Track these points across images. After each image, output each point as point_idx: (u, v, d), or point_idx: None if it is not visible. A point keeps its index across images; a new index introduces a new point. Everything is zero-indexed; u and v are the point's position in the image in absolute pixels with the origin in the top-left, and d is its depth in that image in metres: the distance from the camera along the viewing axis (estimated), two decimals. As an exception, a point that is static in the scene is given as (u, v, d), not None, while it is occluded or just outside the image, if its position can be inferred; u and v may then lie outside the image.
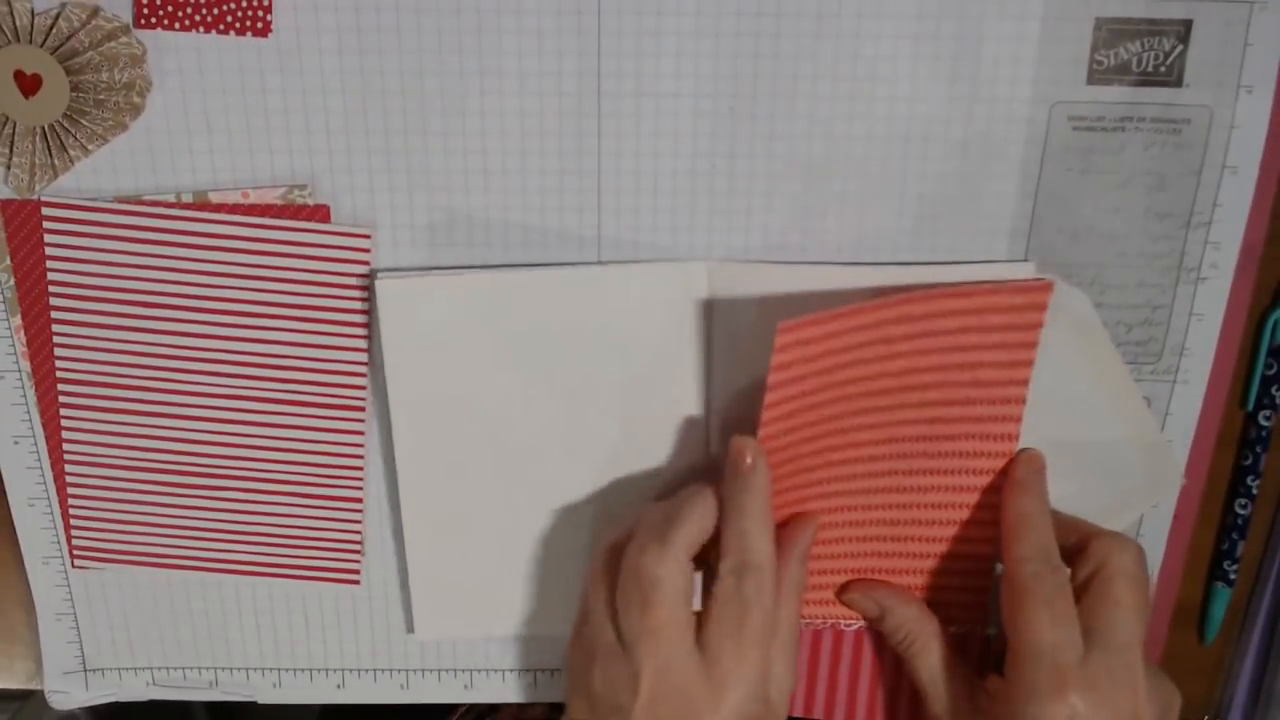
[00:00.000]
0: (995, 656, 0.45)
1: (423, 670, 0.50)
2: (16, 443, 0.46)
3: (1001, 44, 0.41)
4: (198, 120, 0.41)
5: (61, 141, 0.41)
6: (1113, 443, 0.45)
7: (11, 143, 0.41)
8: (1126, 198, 0.43)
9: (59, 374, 0.45)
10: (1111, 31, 0.41)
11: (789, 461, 0.42)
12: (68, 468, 0.46)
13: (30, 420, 0.46)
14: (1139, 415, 0.45)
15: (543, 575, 0.47)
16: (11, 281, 0.44)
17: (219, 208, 0.42)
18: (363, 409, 0.45)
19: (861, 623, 0.47)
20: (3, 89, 0.40)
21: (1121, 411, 0.45)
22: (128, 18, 0.40)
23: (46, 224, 0.43)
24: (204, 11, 0.40)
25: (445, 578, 0.47)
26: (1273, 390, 0.46)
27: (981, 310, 0.41)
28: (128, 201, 0.42)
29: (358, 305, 0.44)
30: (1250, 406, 0.47)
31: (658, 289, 0.43)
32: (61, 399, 0.45)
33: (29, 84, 0.40)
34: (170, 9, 0.40)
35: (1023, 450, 0.42)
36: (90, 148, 0.42)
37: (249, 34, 0.40)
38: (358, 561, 0.48)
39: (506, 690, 0.50)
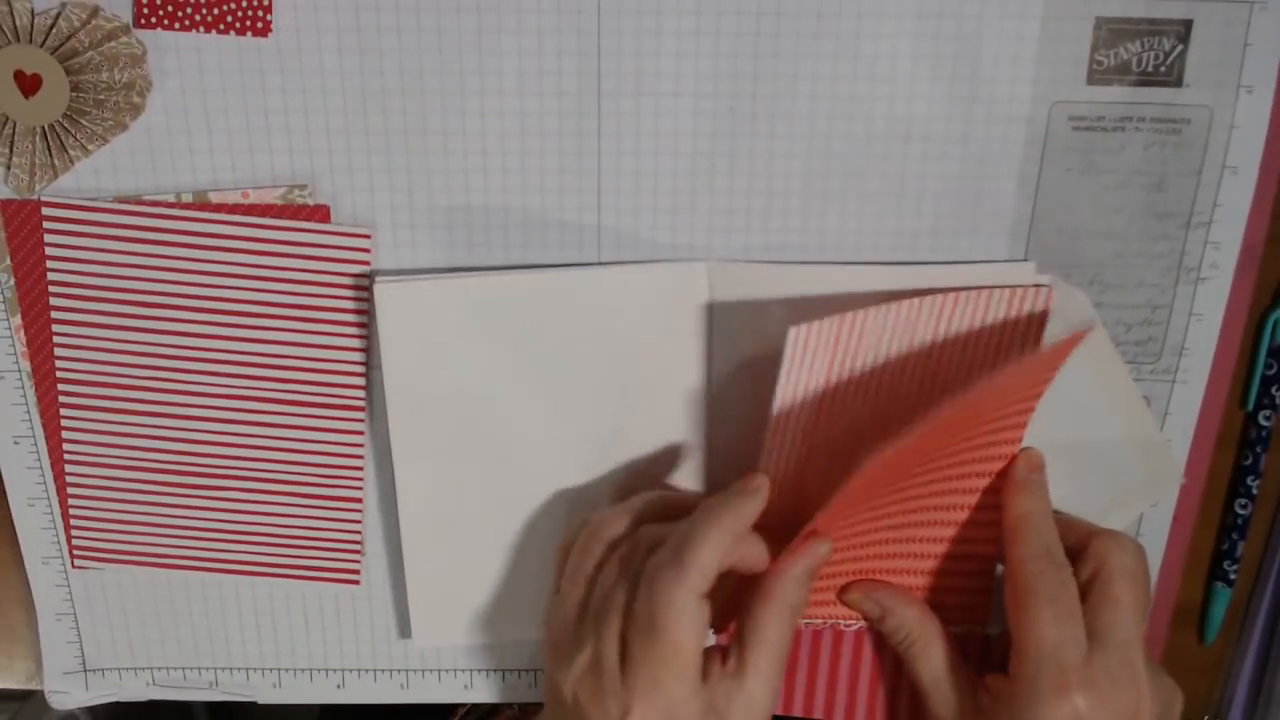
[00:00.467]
0: (997, 657, 0.45)
1: (422, 670, 0.50)
2: (16, 443, 0.46)
3: (1001, 44, 0.41)
4: (198, 120, 0.41)
5: (61, 141, 0.41)
6: (1112, 442, 0.45)
7: (11, 143, 0.41)
8: (1126, 198, 0.43)
9: (59, 374, 0.45)
10: (1111, 31, 0.41)
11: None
12: (68, 468, 0.46)
13: (30, 420, 0.46)
14: (1138, 415, 0.45)
15: (541, 578, 0.47)
16: (11, 281, 0.44)
17: (219, 208, 0.42)
18: (362, 409, 0.45)
19: (861, 623, 0.46)
20: (3, 89, 0.40)
21: (1121, 411, 0.45)
22: (128, 18, 0.40)
23: (46, 224, 0.43)
24: (204, 11, 0.40)
25: (443, 583, 0.47)
26: (1273, 390, 0.46)
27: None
28: (128, 201, 0.42)
29: (357, 305, 0.44)
30: (1250, 406, 0.47)
31: (657, 289, 0.43)
32: (61, 399, 0.45)
33: (29, 84, 0.40)
34: (170, 9, 0.40)
35: (1023, 450, 0.42)
36: (90, 148, 0.42)
37: (249, 34, 0.40)
38: (358, 561, 0.48)
39: (506, 690, 0.50)
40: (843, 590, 0.44)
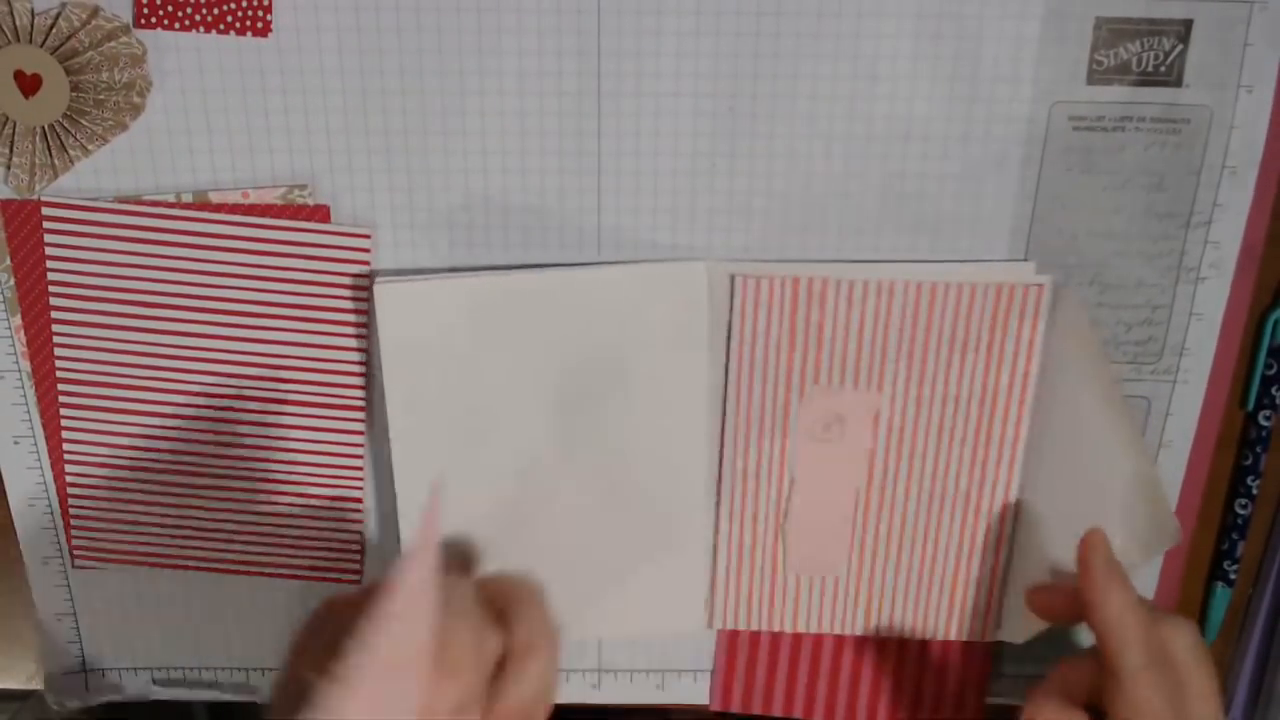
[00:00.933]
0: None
1: (423, 670, 0.50)
2: (16, 443, 0.46)
3: (1001, 44, 0.41)
4: (198, 120, 0.41)
5: (61, 141, 0.41)
6: (1114, 497, 0.43)
7: (11, 143, 0.41)
8: (1126, 198, 0.43)
9: (59, 374, 0.45)
10: (1111, 31, 0.41)
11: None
12: (68, 468, 0.46)
13: (30, 420, 0.46)
14: (1142, 468, 0.42)
15: (542, 577, 0.47)
16: (11, 281, 0.44)
17: (219, 208, 0.42)
18: (362, 409, 0.45)
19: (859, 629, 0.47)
20: (3, 89, 0.40)
21: (1110, 428, 0.43)
22: (128, 18, 0.40)
23: (46, 224, 0.43)
24: (204, 11, 0.40)
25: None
26: (1273, 390, 0.46)
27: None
28: (128, 201, 0.42)
29: (357, 305, 0.44)
30: (1250, 406, 0.46)
31: (657, 288, 0.43)
32: (61, 399, 0.45)
33: (29, 84, 0.40)
34: (170, 9, 0.40)
35: (1090, 533, 0.40)
36: (90, 148, 0.42)
37: (249, 34, 0.40)
38: (358, 561, 0.48)
39: (506, 690, 0.50)
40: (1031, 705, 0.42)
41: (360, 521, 0.47)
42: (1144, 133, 0.42)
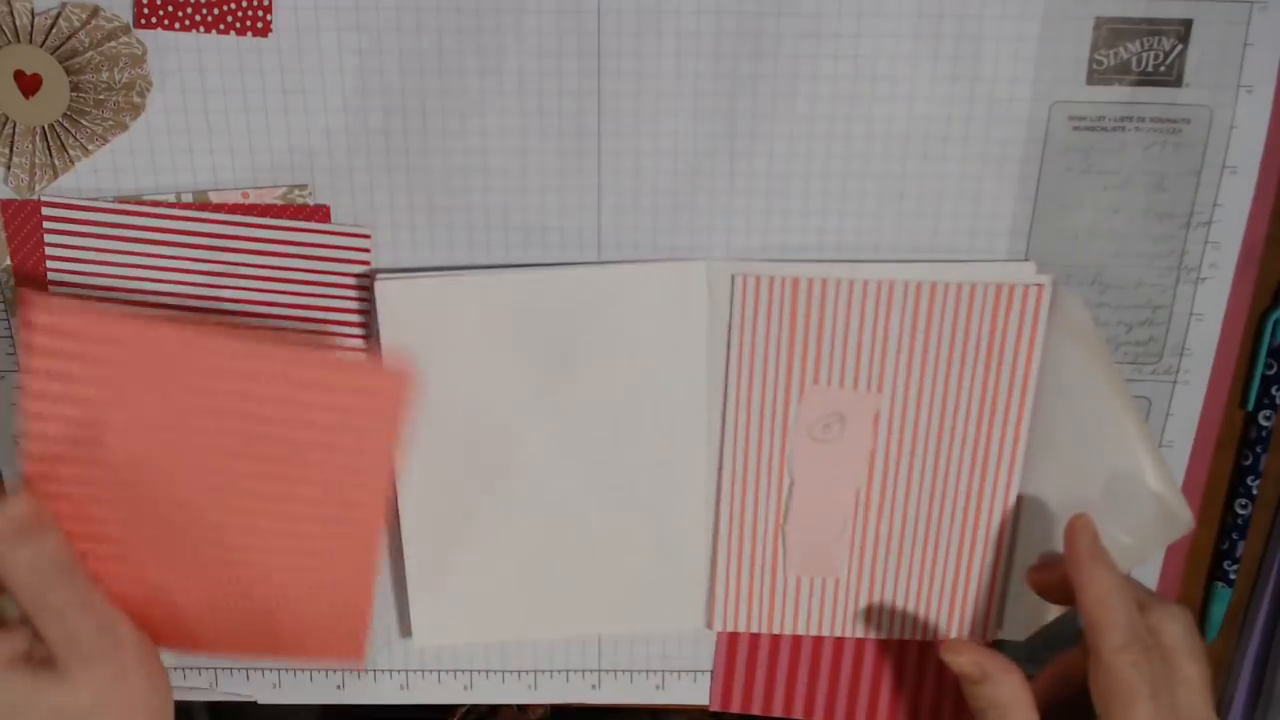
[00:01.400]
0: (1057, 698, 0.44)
1: (422, 671, 0.50)
2: (17, 443, 0.46)
3: (1001, 44, 0.41)
4: (198, 120, 0.41)
5: (61, 141, 0.41)
6: (1123, 487, 0.44)
7: (11, 143, 0.41)
8: (1126, 198, 0.43)
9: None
10: (1111, 31, 0.41)
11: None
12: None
13: (30, 420, 0.46)
14: (1150, 457, 0.43)
15: (542, 578, 0.47)
16: (12, 282, 0.44)
17: (219, 208, 0.42)
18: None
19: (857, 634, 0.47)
20: (3, 89, 0.40)
21: (1132, 454, 0.43)
22: (128, 18, 0.40)
23: (46, 224, 0.43)
24: (204, 11, 0.40)
25: (444, 583, 0.47)
26: (1273, 390, 0.46)
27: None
28: (128, 201, 0.42)
29: (358, 305, 0.44)
30: (1250, 406, 0.46)
31: (657, 289, 0.43)
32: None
33: (29, 84, 0.40)
34: (170, 9, 0.40)
35: (1076, 517, 0.41)
36: (90, 148, 0.42)
37: (249, 34, 0.40)
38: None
39: (506, 691, 0.50)
40: (944, 646, 0.42)
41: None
42: (1144, 133, 0.42)
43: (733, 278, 0.43)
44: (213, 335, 0.38)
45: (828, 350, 0.43)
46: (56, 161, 0.42)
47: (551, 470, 0.45)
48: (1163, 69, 0.41)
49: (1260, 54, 0.41)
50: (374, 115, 0.41)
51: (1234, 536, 0.48)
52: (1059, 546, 0.43)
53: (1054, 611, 0.44)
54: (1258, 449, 0.47)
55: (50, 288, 0.43)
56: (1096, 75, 0.41)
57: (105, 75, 0.40)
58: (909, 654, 0.48)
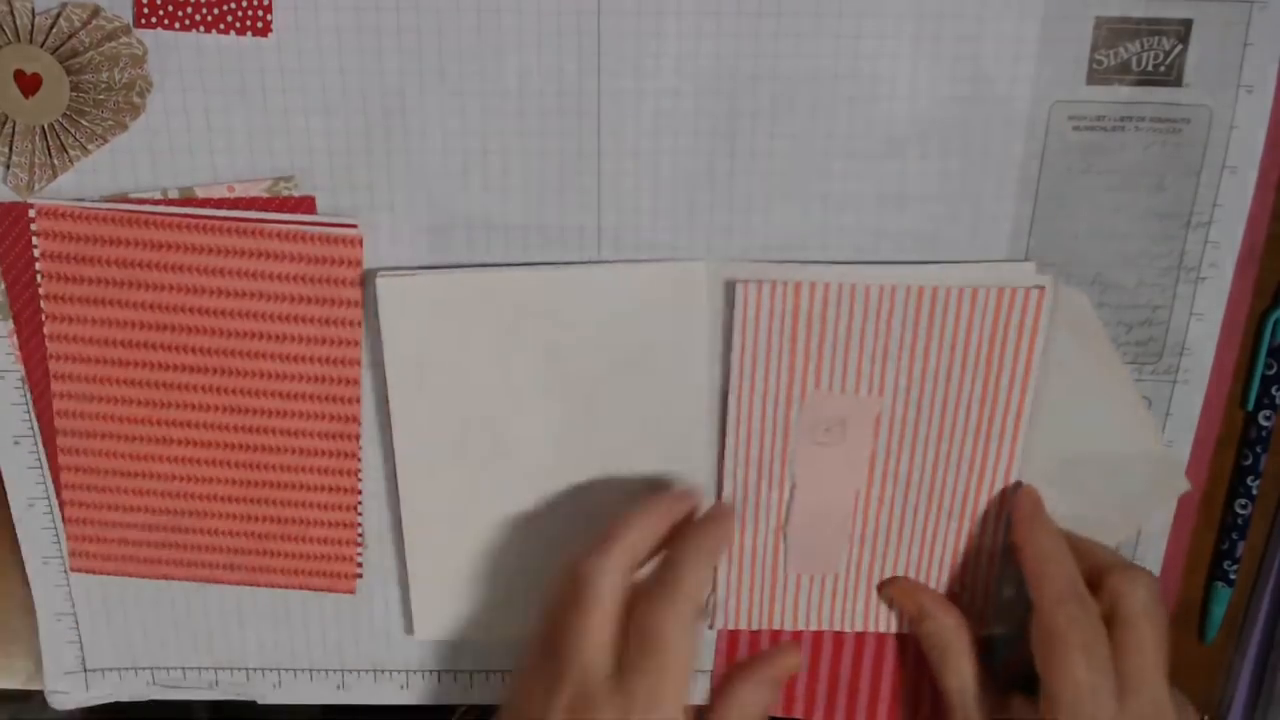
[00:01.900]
0: (1010, 669, 0.45)
1: (423, 671, 0.50)
2: (17, 443, 0.46)
3: (1001, 44, 0.41)
4: (198, 120, 0.41)
5: (61, 141, 0.41)
6: (1116, 452, 0.45)
7: (11, 142, 0.41)
8: (1126, 198, 0.43)
9: (54, 384, 0.45)
10: (1111, 31, 0.41)
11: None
12: (63, 474, 0.46)
13: (30, 420, 0.46)
14: (1141, 421, 0.45)
15: (542, 574, 0.47)
16: (2, 285, 0.44)
17: (204, 202, 0.42)
18: (357, 418, 0.45)
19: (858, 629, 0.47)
20: (3, 89, 0.40)
21: (1123, 418, 0.45)
22: (128, 18, 0.40)
23: (35, 226, 0.42)
24: (204, 11, 0.40)
25: (444, 576, 0.47)
26: (1273, 390, 0.46)
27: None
28: (117, 201, 0.42)
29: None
30: (1250, 406, 0.46)
31: (658, 288, 0.43)
32: (56, 405, 0.45)
33: (29, 84, 0.40)
34: (170, 9, 0.40)
35: (1019, 488, 0.43)
36: (90, 148, 0.42)
37: (249, 34, 0.40)
38: (353, 566, 0.48)
39: (506, 690, 0.50)
40: (882, 586, 0.44)
41: (354, 527, 0.47)
42: (1144, 133, 0.42)
43: (733, 279, 0.43)
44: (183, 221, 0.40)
45: (829, 353, 0.43)
46: (56, 161, 0.42)
47: (551, 467, 0.45)
48: (1163, 69, 0.41)
49: (1260, 54, 0.41)
50: (374, 115, 0.41)
51: (1234, 536, 0.48)
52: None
53: None
54: (1258, 449, 0.47)
55: (40, 290, 0.43)
56: (1096, 75, 0.41)
57: (105, 75, 0.40)
58: (909, 652, 0.48)
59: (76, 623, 0.50)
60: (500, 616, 0.48)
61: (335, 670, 0.50)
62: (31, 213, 0.42)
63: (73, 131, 0.41)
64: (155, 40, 0.40)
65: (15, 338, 0.44)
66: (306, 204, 0.43)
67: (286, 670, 0.50)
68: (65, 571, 0.48)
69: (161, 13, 0.40)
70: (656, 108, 0.41)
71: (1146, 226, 0.43)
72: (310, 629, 0.49)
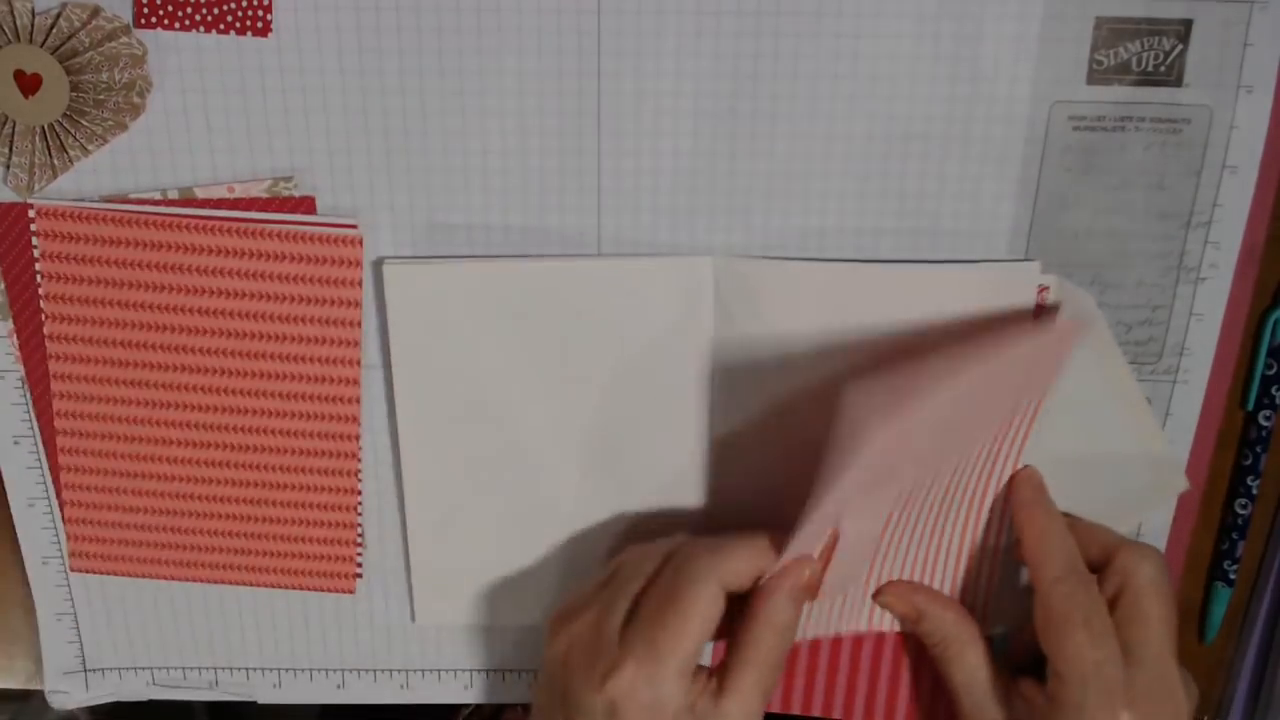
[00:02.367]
0: (1010, 657, 0.45)
1: (423, 670, 0.50)
2: (16, 443, 0.46)
3: (1001, 44, 0.41)
4: (198, 120, 0.41)
5: (61, 141, 0.41)
6: (1117, 449, 0.45)
7: (11, 142, 0.41)
8: (1126, 198, 0.43)
9: (54, 384, 0.45)
10: (1111, 31, 0.41)
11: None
12: (63, 474, 0.46)
13: (30, 420, 0.46)
14: (1143, 420, 0.45)
15: (543, 564, 0.47)
16: (2, 285, 0.44)
17: (204, 203, 0.42)
18: (357, 418, 0.45)
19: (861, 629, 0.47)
20: (3, 89, 0.40)
21: (1126, 416, 0.45)
22: (128, 18, 0.40)
23: (35, 226, 0.42)
24: (204, 11, 0.40)
25: (446, 564, 0.47)
26: (1273, 390, 0.46)
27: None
28: (117, 201, 0.42)
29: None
30: (1250, 406, 0.47)
31: (663, 283, 0.43)
32: (56, 405, 0.45)
33: (29, 84, 0.40)
34: (170, 9, 0.40)
35: (1022, 470, 0.43)
36: (90, 148, 0.42)
37: (249, 34, 0.40)
38: (352, 566, 0.48)
39: (507, 690, 0.50)
40: (877, 593, 0.44)
41: (353, 527, 0.47)
42: (1144, 133, 0.42)
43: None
44: (182, 220, 0.40)
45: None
46: (56, 161, 0.42)
47: (553, 458, 0.45)
48: (1163, 69, 0.41)
49: (1260, 54, 0.41)
50: (374, 115, 0.41)
51: (1234, 536, 0.48)
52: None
53: None
54: (1258, 449, 0.47)
55: (40, 289, 0.43)
56: (1096, 75, 0.41)
57: (105, 75, 0.40)
58: (908, 650, 0.48)
59: (76, 623, 0.50)
60: (501, 605, 0.48)
61: (335, 670, 0.50)
62: (31, 213, 0.42)
63: (73, 132, 0.41)
64: (155, 40, 0.40)
65: (15, 338, 0.44)
66: (306, 204, 0.43)
67: (286, 670, 0.50)
68: (65, 571, 0.49)
69: (161, 13, 0.40)
70: (656, 108, 0.41)
71: (1146, 226, 0.43)
72: (310, 629, 0.49)
